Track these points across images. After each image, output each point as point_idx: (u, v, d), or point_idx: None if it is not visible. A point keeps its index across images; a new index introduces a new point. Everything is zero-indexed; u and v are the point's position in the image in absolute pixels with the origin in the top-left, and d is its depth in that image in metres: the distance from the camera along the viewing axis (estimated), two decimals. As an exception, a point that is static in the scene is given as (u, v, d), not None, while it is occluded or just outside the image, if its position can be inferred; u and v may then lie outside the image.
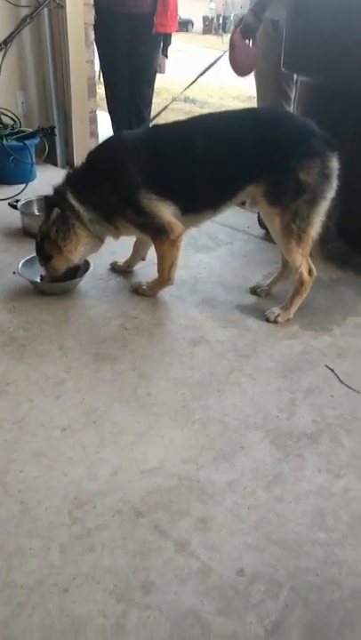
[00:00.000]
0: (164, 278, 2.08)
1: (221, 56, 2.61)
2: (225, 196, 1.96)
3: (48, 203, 1.99)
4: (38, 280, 2.11)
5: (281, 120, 1.97)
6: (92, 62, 3.55)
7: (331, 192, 1.87)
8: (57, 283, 2.09)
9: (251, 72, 2.76)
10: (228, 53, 2.59)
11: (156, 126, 2.30)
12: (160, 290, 2.13)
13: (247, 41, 2.52)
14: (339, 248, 2.00)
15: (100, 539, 1.18)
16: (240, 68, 2.65)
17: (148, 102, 3.53)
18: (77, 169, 2.02)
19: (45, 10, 3.13)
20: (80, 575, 1.11)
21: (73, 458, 1.38)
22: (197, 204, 1.97)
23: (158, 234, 1.95)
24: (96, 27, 3.28)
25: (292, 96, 3.04)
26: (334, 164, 1.85)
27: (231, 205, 2.02)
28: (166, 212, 1.90)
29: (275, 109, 2.60)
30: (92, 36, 3.37)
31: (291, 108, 3.06)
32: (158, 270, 2.08)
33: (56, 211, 1.92)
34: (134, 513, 1.25)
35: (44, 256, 2.03)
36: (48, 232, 1.95)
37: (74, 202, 1.93)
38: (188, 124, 2.02)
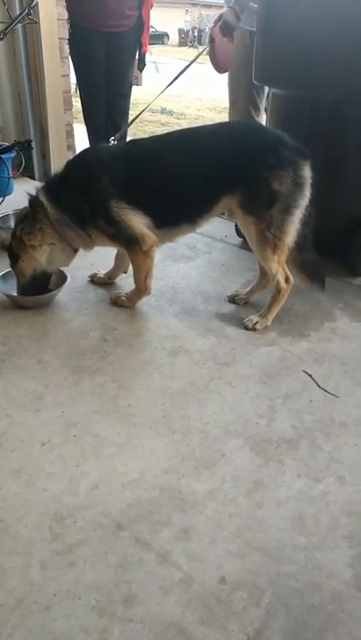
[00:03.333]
0: (141, 289, 2.10)
1: (196, 58, 2.65)
2: (201, 209, 1.98)
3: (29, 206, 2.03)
4: (15, 294, 2.10)
5: (253, 132, 2.02)
6: (67, 76, 3.57)
7: (304, 200, 1.91)
8: (34, 296, 2.08)
9: (227, 69, 2.80)
10: (206, 52, 2.64)
11: (132, 141, 2.33)
12: (138, 300, 2.14)
13: (226, 38, 2.57)
14: (312, 259, 2.04)
15: (82, 554, 1.18)
16: (219, 64, 2.69)
17: (124, 114, 3.57)
18: (55, 175, 2.05)
19: (19, 26, 3.14)
20: (61, 592, 1.10)
21: (53, 473, 1.38)
22: (173, 217, 1.99)
23: (130, 244, 1.97)
24: (71, 42, 3.31)
25: (261, 106, 3.12)
26: (307, 172, 1.90)
27: (209, 219, 2.03)
28: (138, 222, 1.92)
29: (247, 122, 2.66)
30: (67, 50, 3.40)
31: (260, 118, 3.13)
32: (135, 281, 2.10)
33: (25, 209, 1.98)
34: (115, 526, 1.24)
35: (12, 257, 2.04)
36: (15, 230, 1.99)
37: (43, 200, 1.96)
38: (163, 138, 2.06)
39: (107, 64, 3.31)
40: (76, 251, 2.08)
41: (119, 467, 1.41)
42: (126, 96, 3.51)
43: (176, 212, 1.98)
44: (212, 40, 2.58)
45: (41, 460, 1.41)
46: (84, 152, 2.11)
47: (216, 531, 1.24)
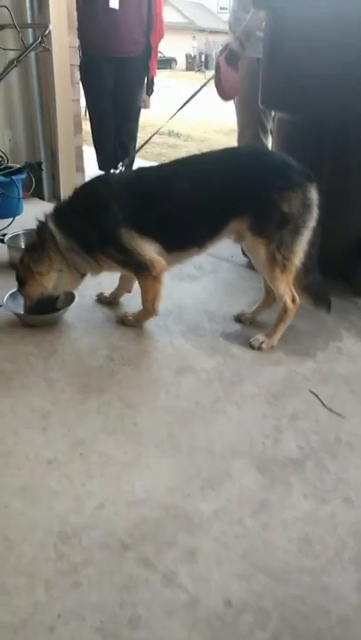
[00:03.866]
0: (149, 310, 2.12)
1: (203, 86, 2.73)
2: (210, 234, 2.02)
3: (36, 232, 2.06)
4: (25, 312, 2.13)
5: (261, 157, 2.07)
6: (77, 101, 3.67)
7: (312, 221, 1.94)
8: (42, 315, 2.11)
9: (234, 96, 2.88)
10: (213, 80, 2.72)
11: (141, 168, 2.38)
12: (145, 321, 2.16)
13: (231, 67, 2.65)
14: (317, 281, 2.06)
15: (87, 574, 1.17)
16: (224, 92, 2.77)
17: (133, 137, 3.66)
18: (64, 202, 2.08)
19: (32, 53, 3.25)
20: (66, 612, 1.09)
21: (59, 491, 1.38)
22: (183, 242, 2.03)
23: (140, 270, 2.00)
24: (82, 69, 3.43)
25: (269, 128, 3.19)
26: (314, 194, 1.94)
27: (217, 242, 2.07)
28: (148, 249, 1.95)
29: (254, 147, 2.72)
30: (78, 76, 3.51)
31: (267, 140, 3.20)
32: (142, 303, 2.12)
33: (34, 236, 2.01)
34: (121, 546, 1.24)
35: (19, 281, 2.08)
36: (23, 257, 2.03)
37: (52, 227, 1.98)
38: (171, 165, 2.11)
39: (115, 89, 3.43)
40: (83, 275, 2.11)
41: (125, 486, 1.41)
42: (135, 120, 3.61)
43: (186, 238, 2.02)
44: (217, 68, 2.66)
45: (47, 478, 1.42)
46: (94, 180, 2.14)
47: (222, 552, 1.24)
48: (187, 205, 1.93)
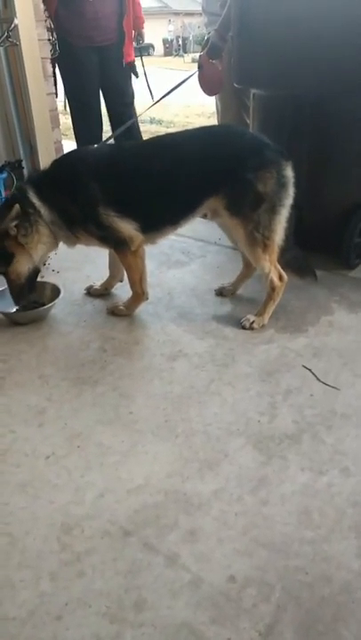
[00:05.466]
0: (138, 293, 2.12)
1: (188, 78, 2.70)
2: (185, 212, 2.01)
3: (8, 200, 1.96)
4: (12, 311, 2.13)
5: (235, 135, 2.04)
6: (52, 95, 3.62)
7: (289, 199, 1.94)
8: (28, 311, 2.11)
9: (218, 91, 2.86)
10: (196, 75, 2.69)
11: (118, 145, 2.35)
12: (137, 307, 2.16)
13: (214, 61, 2.62)
14: (296, 255, 2.07)
15: (90, 562, 1.19)
16: (209, 88, 2.75)
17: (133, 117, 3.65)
18: (41, 173, 2.02)
19: (1, 49, 3.20)
20: (72, 601, 1.11)
21: (58, 484, 1.39)
22: (158, 221, 2.01)
23: (119, 246, 1.99)
24: (61, 61, 3.38)
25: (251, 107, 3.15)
26: (289, 172, 1.92)
27: (192, 220, 2.06)
28: (126, 226, 1.94)
29: (228, 126, 2.69)
30: (51, 69, 3.46)
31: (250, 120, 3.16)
32: (131, 286, 2.12)
33: (16, 207, 1.87)
34: (123, 533, 1.25)
35: (4, 258, 1.94)
36: (7, 229, 1.88)
37: (35, 200, 1.91)
38: (147, 143, 2.09)
39: (103, 78, 3.40)
40: (58, 243, 2.07)
41: (124, 474, 1.42)
42: (131, 104, 3.61)
43: (161, 217, 2.01)
44: (200, 66, 2.63)
45: (46, 472, 1.43)
46: (72, 155, 2.10)
47: (223, 530, 1.25)
48: (162, 184, 1.92)
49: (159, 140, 2.09)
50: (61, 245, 2.61)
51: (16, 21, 2.73)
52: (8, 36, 2.62)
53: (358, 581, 1.13)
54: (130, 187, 1.92)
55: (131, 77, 3.56)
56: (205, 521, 1.27)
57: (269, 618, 1.06)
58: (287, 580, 1.13)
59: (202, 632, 1.04)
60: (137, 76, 3.63)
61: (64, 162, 2.05)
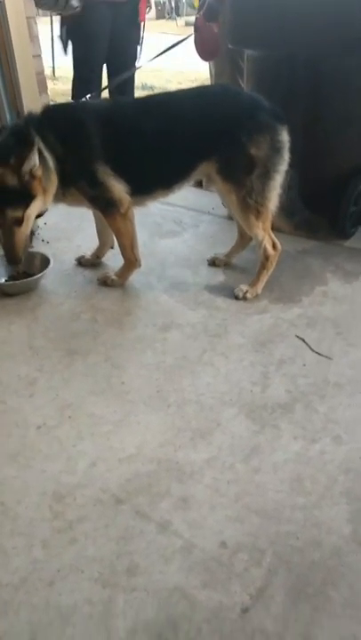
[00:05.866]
0: (130, 260, 2.08)
1: (183, 40, 2.58)
2: (178, 176, 1.96)
3: (17, 137, 1.73)
4: (1, 281, 2.09)
5: (229, 97, 1.96)
6: (39, 57, 3.47)
7: (284, 165, 1.88)
8: (17, 281, 2.08)
9: (216, 55, 2.74)
10: (191, 38, 2.58)
11: (116, 101, 2.26)
12: (129, 274, 2.12)
13: (211, 23, 2.51)
14: (306, 218, 2.02)
15: (83, 529, 1.19)
16: (206, 52, 2.65)
17: (132, 84, 3.54)
18: (38, 117, 1.82)
19: (-16, 7, 3.04)
20: (64, 567, 1.11)
21: (50, 454, 1.38)
22: (149, 184, 1.96)
23: (108, 207, 1.92)
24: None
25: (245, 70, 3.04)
26: (284, 137, 1.86)
27: (185, 185, 2.01)
28: (118, 187, 1.88)
29: (224, 86, 2.60)
30: (37, 30, 3.30)
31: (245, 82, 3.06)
32: (122, 253, 2.08)
33: (36, 147, 1.70)
34: (115, 500, 1.25)
35: (24, 200, 1.74)
36: (34, 168, 1.69)
37: (43, 149, 1.76)
38: (144, 101, 2.02)
39: (112, 37, 3.27)
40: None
41: (116, 443, 1.41)
42: (132, 65, 3.47)
43: (153, 179, 1.95)
44: (197, 29, 2.51)
45: (37, 442, 1.42)
46: (75, 107, 1.98)
47: (215, 498, 1.25)
48: (157, 143, 1.85)
49: (156, 98, 2.02)
50: (51, 214, 2.56)
51: (-2, -25, 2.58)
52: (-10, -8, 2.47)
53: (348, 546, 1.14)
54: (127, 144, 1.85)
55: (140, 37, 3.41)
56: (198, 489, 1.28)
57: (260, 582, 1.08)
58: (278, 546, 1.14)
59: (194, 596, 1.05)
60: (141, 41, 3.49)
61: (66, 111, 1.91)
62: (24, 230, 1.80)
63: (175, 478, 1.30)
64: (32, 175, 1.72)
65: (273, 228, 2.01)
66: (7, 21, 3.06)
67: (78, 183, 1.87)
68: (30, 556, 1.14)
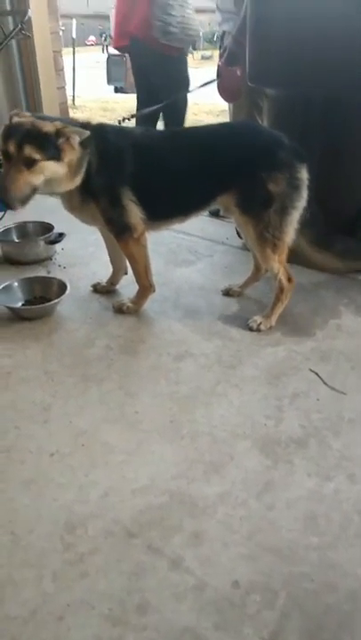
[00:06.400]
0: (145, 286, 2.11)
1: (206, 84, 2.68)
2: (196, 205, 2.03)
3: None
4: (18, 306, 2.12)
5: (251, 133, 2.04)
6: (62, 88, 3.62)
7: (301, 201, 1.92)
8: (34, 306, 2.12)
9: (239, 97, 2.83)
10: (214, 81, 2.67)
11: (147, 129, 2.34)
12: (145, 301, 2.14)
13: (233, 67, 2.59)
14: (350, 246, 2.07)
15: (94, 563, 1.18)
16: (228, 95, 2.73)
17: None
18: (92, 129, 1.83)
19: (14, 41, 3.18)
20: (75, 602, 1.10)
21: (63, 482, 1.38)
22: (170, 211, 2.02)
23: (122, 231, 1.96)
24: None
25: (263, 107, 3.12)
26: (303, 174, 1.91)
27: (201, 213, 2.08)
28: (136, 213, 1.92)
29: (247, 122, 2.67)
30: (62, 63, 3.45)
31: (262, 118, 3.14)
32: (136, 280, 2.11)
33: (88, 132, 1.76)
34: (127, 533, 1.24)
35: (51, 150, 1.71)
36: (74, 132, 1.73)
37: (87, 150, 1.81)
38: (174, 133, 2.14)
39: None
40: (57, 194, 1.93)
41: (129, 474, 1.41)
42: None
43: (173, 207, 2.01)
44: (219, 74, 2.61)
45: (50, 470, 1.42)
46: (117, 129, 2.01)
47: (228, 534, 1.24)
48: (179, 175, 1.91)
49: (186, 132, 2.10)
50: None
51: (30, 13, 2.71)
52: (22, 29, 2.60)
53: (364, 590, 1.12)
54: (154, 174, 1.91)
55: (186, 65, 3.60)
56: (210, 524, 1.26)
57: (274, 625, 1.05)
58: (292, 587, 1.12)
59: (205, 637, 1.03)
60: None
61: (112, 132, 1.94)
62: (30, 178, 1.71)
63: (188, 512, 1.29)
64: (69, 142, 1.73)
65: (321, 269, 2.05)
66: (35, 55, 3.21)
67: (100, 199, 1.91)
68: (40, 588, 1.13)
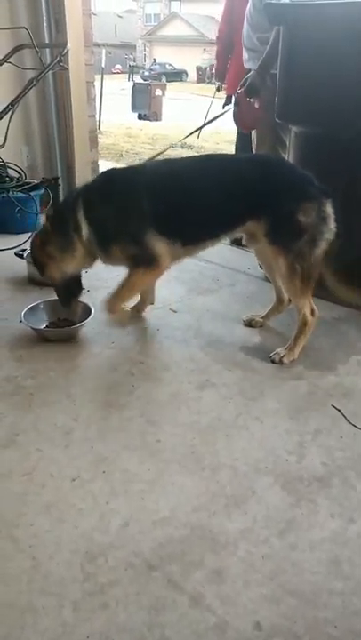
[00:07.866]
0: (116, 308, 2.07)
1: (222, 114, 2.76)
2: (226, 230, 2.06)
3: (56, 212, 2.07)
4: (43, 327, 2.15)
5: (285, 168, 2.14)
6: (93, 117, 3.74)
7: (329, 234, 1.94)
8: (59, 328, 2.14)
9: (255, 127, 2.91)
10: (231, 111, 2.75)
11: (167, 161, 2.39)
12: (114, 309, 2.08)
13: (251, 99, 2.67)
14: None
15: (114, 594, 1.16)
16: (244, 125, 2.80)
17: None
18: (93, 188, 2.01)
19: (50, 72, 3.31)
20: (94, 634, 1.09)
21: (83, 509, 1.38)
22: (200, 237, 2.05)
23: (147, 264, 1.98)
24: None
25: (287, 142, 3.19)
26: (329, 209, 1.94)
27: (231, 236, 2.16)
28: (161, 246, 1.95)
29: (279, 158, 2.74)
30: (94, 92, 3.58)
31: (285, 155, 3.20)
32: (113, 296, 2.06)
33: (57, 220, 2.01)
34: (147, 566, 1.23)
35: (38, 266, 2.10)
36: (42, 242, 2.03)
37: (81, 218, 1.94)
38: (197, 161, 2.17)
39: None
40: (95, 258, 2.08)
41: (149, 504, 1.40)
42: None
43: (203, 234, 2.04)
44: (237, 103, 2.69)
45: (71, 495, 1.42)
46: (125, 172, 2.11)
47: (249, 573, 1.22)
48: (209, 203, 1.95)
49: (210, 159, 2.18)
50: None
51: (69, 46, 2.83)
52: (60, 61, 2.70)
53: (390, 641, 1.09)
54: (174, 206, 1.94)
55: None
56: (232, 561, 1.25)
57: (297, 672, 1.03)
58: (315, 633, 1.10)
59: None
60: None
61: (117, 177, 2.03)
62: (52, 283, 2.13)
63: (209, 548, 1.28)
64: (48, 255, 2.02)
65: (343, 302, 2.11)
66: (70, 85, 3.33)
67: (123, 244, 1.96)
68: (60, 617, 1.12)
